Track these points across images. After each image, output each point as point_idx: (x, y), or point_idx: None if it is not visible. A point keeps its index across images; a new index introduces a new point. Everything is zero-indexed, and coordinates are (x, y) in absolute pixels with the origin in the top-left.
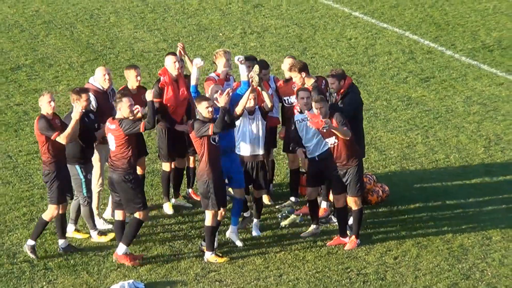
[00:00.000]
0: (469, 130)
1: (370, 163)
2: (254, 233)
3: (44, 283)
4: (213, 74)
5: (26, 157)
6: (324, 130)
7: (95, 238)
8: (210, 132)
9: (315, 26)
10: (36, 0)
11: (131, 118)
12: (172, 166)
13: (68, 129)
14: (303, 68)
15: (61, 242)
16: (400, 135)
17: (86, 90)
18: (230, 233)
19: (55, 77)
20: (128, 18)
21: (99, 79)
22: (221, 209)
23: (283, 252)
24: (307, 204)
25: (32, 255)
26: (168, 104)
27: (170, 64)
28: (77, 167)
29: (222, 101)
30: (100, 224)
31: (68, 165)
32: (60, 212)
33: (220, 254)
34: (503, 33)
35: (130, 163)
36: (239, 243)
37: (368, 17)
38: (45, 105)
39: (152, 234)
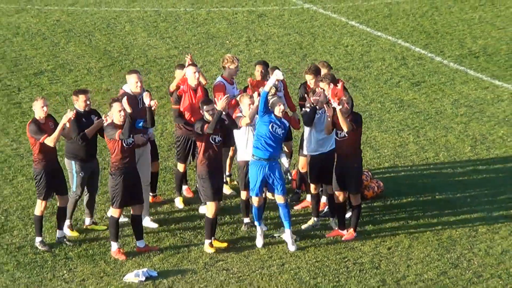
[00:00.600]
0: (456, 131)
1: (365, 161)
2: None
3: (65, 271)
4: (220, 78)
5: None
6: (340, 106)
7: (66, 229)
8: (203, 130)
9: (315, 34)
10: (57, 10)
11: (120, 123)
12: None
13: (55, 133)
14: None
15: (58, 233)
16: (393, 135)
17: (84, 92)
18: (285, 235)
19: (74, 81)
20: (142, 27)
21: (131, 85)
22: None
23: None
24: (310, 198)
25: (44, 248)
26: (185, 112)
27: (191, 75)
28: (73, 162)
29: (219, 105)
30: (149, 223)
31: (65, 160)
32: (59, 205)
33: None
34: (488, 41)
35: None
36: (292, 248)
37: (364, 26)
38: (38, 110)
39: (164, 226)
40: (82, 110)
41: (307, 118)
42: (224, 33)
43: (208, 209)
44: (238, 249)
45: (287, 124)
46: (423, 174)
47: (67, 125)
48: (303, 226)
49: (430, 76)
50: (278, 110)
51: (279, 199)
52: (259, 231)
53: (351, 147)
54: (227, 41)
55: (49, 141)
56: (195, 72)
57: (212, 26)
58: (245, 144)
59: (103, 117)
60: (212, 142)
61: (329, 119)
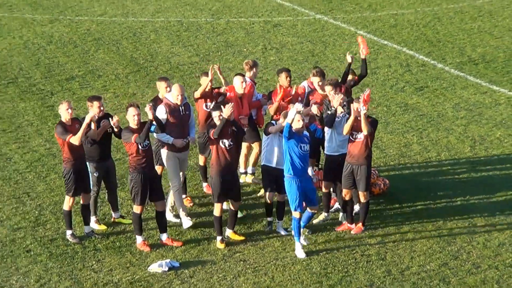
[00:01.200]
0: (457, 132)
1: (373, 160)
2: (282, 232)
3: (94, 262)
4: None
5: None
6: (366, 111)
7: (93, 224)
8: (210, 135)
9: (326, 42)
10: (87, 20)
11: (134, 126)
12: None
13: (79, 132)
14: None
15: (85, 228)
16: (398, 136)
17: (98, 98)
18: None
19: (103, 86)
20: (166, 36)
21: (174, 96)
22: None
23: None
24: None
25: (74, 241)
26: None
27: (238, 84)
28: (88, 163)
29: (225, 113)
30: (171, 217)
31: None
32: (82, 202)
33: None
34: (487, 49)
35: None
36: (305, 242)
37: (371, 35)
38: (63, 112)
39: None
40: (96, 116)
41: (329, 120)
42: (241, 42)
43: (215, 208)
44: (255, 242)
45: (308, 134)
46: (426, 172)
47: (92, 125)
48: (315, 221)
49: (433, 82)
50: (297, 124)
51: (312, 209)
52: (299, 245)
53: (364, 149)
54: (245, 49)
55: (74, 140)
56: (242, 82)
57: (230, 35)
58: (272, 150)
59: (111, 120)
60: (222, 146)
61: (349, 122)
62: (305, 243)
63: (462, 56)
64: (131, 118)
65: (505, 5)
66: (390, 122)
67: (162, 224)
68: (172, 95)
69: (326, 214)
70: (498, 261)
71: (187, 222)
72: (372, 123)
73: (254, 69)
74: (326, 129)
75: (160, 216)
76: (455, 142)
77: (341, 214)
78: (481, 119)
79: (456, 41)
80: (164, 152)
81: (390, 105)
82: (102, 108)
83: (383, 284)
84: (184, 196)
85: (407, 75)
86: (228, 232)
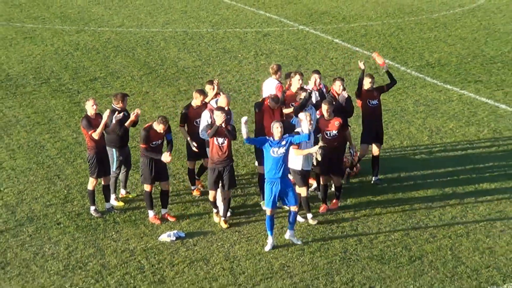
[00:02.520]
0: (417, 124)
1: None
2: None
3: (113, 233)
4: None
5: None
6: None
7: (113, 201)
8: (206, 133)
9: (307, 49)
10: (108, 31)
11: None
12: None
13: (99, 129)
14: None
15: (106, 204)
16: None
17: (123, 96)
18: (289, 236)
19: (121, 86)
20: (173, 44)
21: (221, 103)
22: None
23: (284, 213)
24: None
25: (97, 215)
26: (265, 124)
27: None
28: (113, 150)
29: (217, 121)
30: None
31: (107, 147)
32: (103, 183)
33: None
34: (442, 55)
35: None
36: (298, 242)
37: (345, 43)
38: (89, 108)
39: (191, 198)
40: (121, 109)
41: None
42: (237, 48)
43: (210, 194)
44: (248, 216)
45: (290, 138)
46: (391, 157)
47: (113, 121)
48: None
49: (397, 83)
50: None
51: (293, 208)
52: (270, 240)
53: (339, 143)
54: (239, 55)
55: (95, 134)
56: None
57: (227, 43)
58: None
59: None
60: (216, 143)
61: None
62: (298, 243)
63: (421, 60)
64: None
65: (457, 18)
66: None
67: (164, 201)
68: (219, 102)
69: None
70: (451, 231)
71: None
72: (345, 121)
73: (279, 72)
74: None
75: (163, 194)
76: (415, 132)
77: (318, 192)
78: (437, 113)
79: (416, 48)
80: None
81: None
82: (125, 103)
83: (355, 251)
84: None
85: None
86: (216, 219)
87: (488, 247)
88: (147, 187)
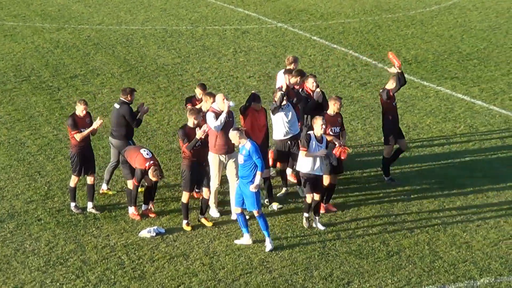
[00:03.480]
0: None
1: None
2: (320, 227)
3: (94, 229)
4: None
5: None
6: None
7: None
8: (184, 146)
9: (286, 46)
10: (88, 28)
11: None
12: None
13: (85, 133)
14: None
15: (89, 204)
16: (346, 124)
17: (132, 90)
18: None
19: (101, 83)
20: (153, 41)
21: (218, 104)
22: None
23: (267, 208)
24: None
25: (77, 211)
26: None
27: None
28: (123, 142)
29: (198, 135)
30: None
31: (116, 140)
32: (88, 182)
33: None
34: (418, 52)
35: None
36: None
37: (323, 40)
38: (79, 111)
39: (171, 195)
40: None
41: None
42: (216, 46)
43: (183, 196)
44: (227, 214)
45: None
46: (368, 153)
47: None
48: (278, 194)
49: (374, 79)
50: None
51: (254, 213)
52: (245, 236)
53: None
54: (220, 52)
55: (78, 137)
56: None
57: (207, 40)
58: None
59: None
60: (196, 147)
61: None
62: (269, 248)
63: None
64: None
65: (434, 15)
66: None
67: (146, 197)
68: (217, 103)
69: (285, 188)
70: (429, 226)
71: (215, 213)
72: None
73: (294, 64)
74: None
75: (148, 190)
76: None
77: (298, 187)
78: (414, 109)
79: (393, 45)
80: (210, 154)
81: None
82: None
83: (333, 246)
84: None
85: (353, 73)
86: (201, 218)
87: (465, 241)
88: (130, 184)
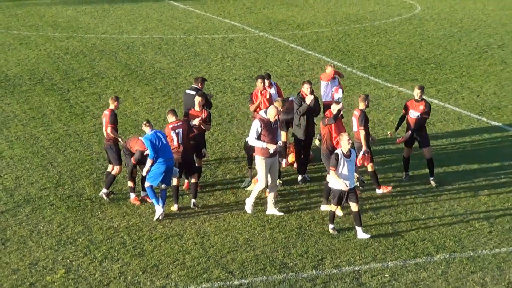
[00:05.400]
0: None
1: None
2: (362, 236)
3: (99, 212)
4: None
5: (88, 134)
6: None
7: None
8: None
9: (267, 53)
10: (93, 37)
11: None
12: None
13: (116, 135)
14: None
15: (104, 190)
16: (319, 121)
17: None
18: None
19: (105, 85)
20: (151, 48)
21: (269, 114)
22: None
23: (249, 193)
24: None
25: (107, 198)
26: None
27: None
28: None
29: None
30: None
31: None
32: (114, 173)
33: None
34: (383, 57)
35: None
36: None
37: (299, 47)
38: (112, 105)
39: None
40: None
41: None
42: (206, 52)
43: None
44: (216, 197)
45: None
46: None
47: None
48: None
49: (344, 81)
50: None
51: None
52: (158, 209)
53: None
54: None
55: (110, 130)
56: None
57: (198, 47)
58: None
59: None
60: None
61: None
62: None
63: (365, 62)
64: None
65: (396, 25)
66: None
67: (143, 184)
68: (269, 113)
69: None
70: (392, 209)
71: (249, 209)
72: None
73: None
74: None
75: (142, 180)
76: None
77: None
78: (379, 108)
79: (361, 51)
80: (258, 157)
81: None
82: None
83: (309, 227)
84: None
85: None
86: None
87: (424, 223)
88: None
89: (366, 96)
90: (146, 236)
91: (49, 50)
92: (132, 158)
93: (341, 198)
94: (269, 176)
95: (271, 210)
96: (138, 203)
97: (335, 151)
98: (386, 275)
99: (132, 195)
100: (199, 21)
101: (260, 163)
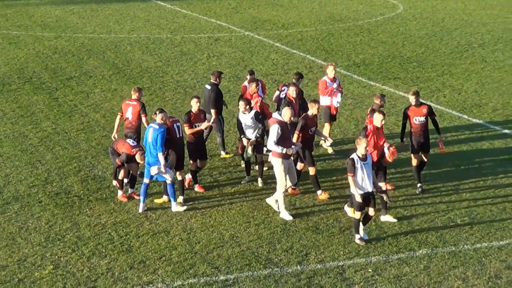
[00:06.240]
0: (345, 115)
1: None
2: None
3: (87, 209)
4: (325, 78)
5: (76, 132)
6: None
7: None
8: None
9: (252, 51)
10: (82, 36)
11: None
12: None
13: (192, 130)
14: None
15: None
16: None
17: (219, 73)
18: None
19: (93, 84)
20: (138, 47)
21: (285, 116)
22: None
23: (232, 188)
24: None
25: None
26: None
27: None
28: None
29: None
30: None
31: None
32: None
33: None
34: (366, 56)
35: None
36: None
37: (284, 46)
38: (194, 105)
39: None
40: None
41: None
42: (192, 51)
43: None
44: (202, 193)
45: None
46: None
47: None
48: (242, 182)
49: None
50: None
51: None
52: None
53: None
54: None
55: (186, 130)
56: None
57: (184, 46)
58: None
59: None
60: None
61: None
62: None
63: (349, 60)
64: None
65: (379, 24)
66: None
67: (132, 182)
68: (284, 115)
69: (247, 177)
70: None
71: (287, 216)
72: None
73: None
74: None
75: (132, 176)
76: (344, 121)
77: (259, 179)
78: (362, 105)
79: (345, 50)
80: (275, 159)
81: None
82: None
83: (293, 223)
84: (196, 184)
85: (310, 74)
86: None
87: (406, 219)
88: (121, 173)
89: (382, 95)
90: (133, 232)
91: (38, 50)
92: (117, 159)
93: (366, 201)
94: (287, 177)
95: (284, 214)
96: (125, 200)
97: (351, 156)
98: (369, 270)
99: (120, 192)
100: (186, 21)
101: (278, 165)
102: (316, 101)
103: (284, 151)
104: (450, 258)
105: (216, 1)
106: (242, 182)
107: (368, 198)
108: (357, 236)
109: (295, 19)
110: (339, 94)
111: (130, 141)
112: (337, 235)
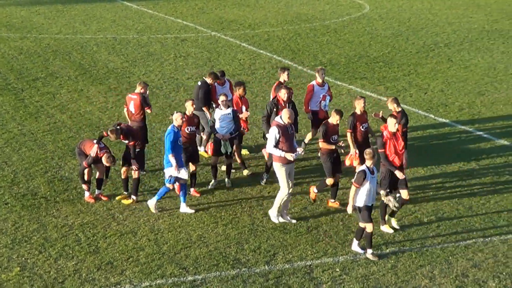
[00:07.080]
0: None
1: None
2: (360, 251)
3: (54, 211)
4: (314, 82)
5: (42, 133)
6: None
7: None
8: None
9: (219, 52)
10: (47, 37)
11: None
12: None
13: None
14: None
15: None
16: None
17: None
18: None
19: (59, 84)
20: (104, 48)
21: (284, 119)
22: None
23: (211, 191)
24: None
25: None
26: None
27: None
28: None
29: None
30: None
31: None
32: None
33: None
34: (333, 56)
35: None
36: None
37: (251, 46)
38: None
39: (120, 180)
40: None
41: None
42: (159, 52)
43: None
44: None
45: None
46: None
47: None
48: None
49: (295, 79)
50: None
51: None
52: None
53: None
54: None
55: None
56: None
57: (151, 47)
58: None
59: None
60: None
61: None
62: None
63: (316, 60)
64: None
65: (346, 24)
66: (266, 108)
67: (99, 184)
68: (284, 117)
69: (214, 181)
70: (343, 207)
71: (274, 218)
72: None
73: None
74: None
75: (99, 178)
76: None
77: (226, 179)
78: (330, 105)
79: (311, 50)
80: (275, 164)
81: (265, 96)
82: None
83: (261, 223)
84: (192, 188)
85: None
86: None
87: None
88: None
89: (395, 98)
90: (100, 233)
91: (3, 51)
92: (84, 162)
93: (371, 212)
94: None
95: (286, 217)
96: (92, 201)
97: (362, 169)
98: (337, 270)
99: (87, 194)
100: (152, 21)
101: (279, 170)
102: (340, 111)
103: (283, 155)
104: (417, 257)
105: (183, 1)
106: (209, 187)
107: (371, 210)
108: (369, 251)
109: (261, 19)
110: (327, 98)
111: (96, 142)
112: (305, 234)
